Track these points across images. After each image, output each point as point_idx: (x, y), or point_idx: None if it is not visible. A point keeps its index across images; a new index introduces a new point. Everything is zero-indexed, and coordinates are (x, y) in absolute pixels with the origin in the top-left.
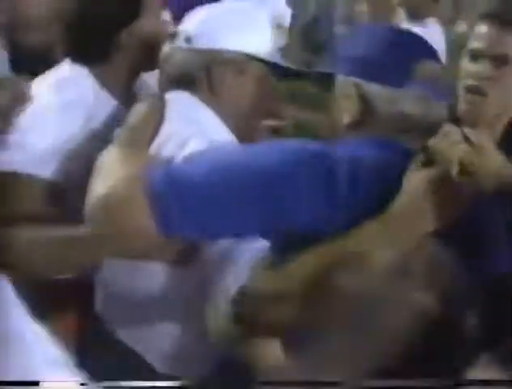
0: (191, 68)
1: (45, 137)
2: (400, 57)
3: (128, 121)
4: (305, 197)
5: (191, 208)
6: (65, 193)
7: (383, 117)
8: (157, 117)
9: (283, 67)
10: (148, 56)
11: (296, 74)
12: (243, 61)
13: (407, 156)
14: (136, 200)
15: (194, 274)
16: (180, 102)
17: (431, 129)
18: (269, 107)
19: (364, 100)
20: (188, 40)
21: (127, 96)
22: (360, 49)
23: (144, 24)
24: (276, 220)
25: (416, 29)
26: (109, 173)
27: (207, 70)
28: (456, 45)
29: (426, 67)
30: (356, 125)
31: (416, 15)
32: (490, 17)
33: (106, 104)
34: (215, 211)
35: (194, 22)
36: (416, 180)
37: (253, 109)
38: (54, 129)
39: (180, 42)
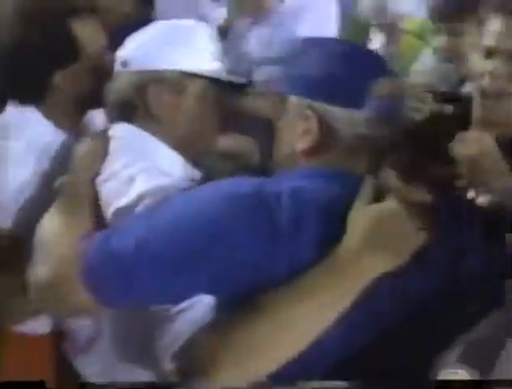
0: (128, 93)
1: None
2: (356, 74)
3: (70, 168)
4: (249, 244)
5: (131, 280)
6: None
7: (345, 140)
8: (98, 158)
9: (231, 83)
10: (91, 92)
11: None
12: (181, 80)
13: (356, 190)
14: (75, 280)
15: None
16: (122, 136)
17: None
18: (215, 126)
19: (324, 123)
20: (124, 64)
21: (77, 133)
22: (311, 66)
23: (83, 64)
24: (224, 276)
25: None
26: (48, 249)
27: (142, 92)
28: None
29: (384, 85)
30: (313, 150)
31: None
32: (504, 11)
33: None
34: (158, 280)
35: (129, 45)
36: (362, 216)
37: (199, 130)
38: (9, 178)
39: (117, 68)
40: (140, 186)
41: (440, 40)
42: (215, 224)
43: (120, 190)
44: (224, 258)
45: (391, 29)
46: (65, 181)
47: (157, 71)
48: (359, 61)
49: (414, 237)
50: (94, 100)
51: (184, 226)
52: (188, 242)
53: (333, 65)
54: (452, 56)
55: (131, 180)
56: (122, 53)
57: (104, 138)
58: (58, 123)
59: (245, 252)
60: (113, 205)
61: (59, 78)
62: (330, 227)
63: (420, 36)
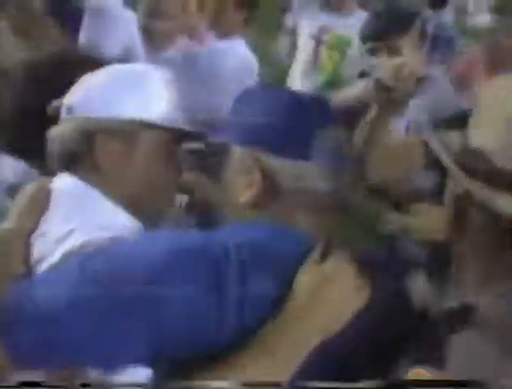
0: (73, 142)
1: None
2: (301, 124)
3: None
4: (191, 304)
5: (47, 340)
6: None
7: (287, 194)
8: (38, 210)
9: (185, 133)
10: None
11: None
12: (132, 129)
13: (303, 247)
14: None
15: None
16: (63, 189)
17: (342, 207)
18: (172, 181)
19: (267, 176)
20: (69, 110)
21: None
22: (255, 115)
23: None
24: (161, 340)
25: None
26: None
27: (89, 141)
28: None
29: (329, 136)
30: (256, 203)
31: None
32: None
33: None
34: (82, 336)
35: (76, 91)
36: (309, 276)
37: (154, 186)
38: None
39: (61, 115)
40: (67, 246)
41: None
42: (153, 274)
43: (49, 249)
44: (159, 312)
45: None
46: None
47: (106, 119)
48: (304, 110)
49: (357, 299)
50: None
51: (118, 275)
52: (127, 297)
53: (275, 114)
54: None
55: (62, 239)
56: (68, 99)
57: (44, 190)
58: None
59: (187, 305)
60: (41, 264)
61: None
62: (277, 283)
63: (340, 49)
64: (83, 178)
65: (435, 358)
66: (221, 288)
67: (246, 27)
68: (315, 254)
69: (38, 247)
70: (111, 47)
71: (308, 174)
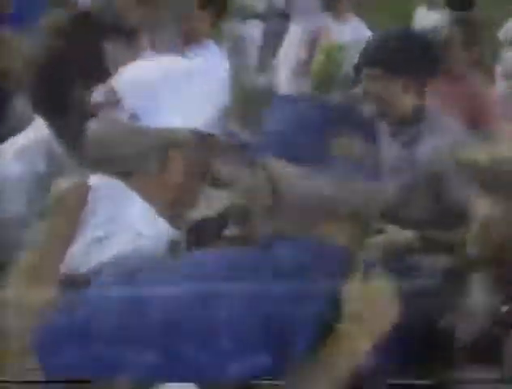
0: (138, 150)
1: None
2: (314, 131)
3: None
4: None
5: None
6: None
7: (290, 201)
8: (79, 206)
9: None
10: None
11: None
12: (191, 140)
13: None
14: None
15: None
16: (100, 189)
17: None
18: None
19: (271, 182)
20: (134, 117)
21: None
22: (274, 123)
23: None
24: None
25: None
26: None
27: (162, 155)
28: None
29: (345, 143)
30: (267, 211)
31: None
32: None
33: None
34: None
35: (135, 93)
36: (356, 295)
37: (187, 190)
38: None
39: (122, 118)
40: (103, 255)
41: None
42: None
43: (84, 253)
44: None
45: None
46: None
47: (177, 130)
48: (318, 116)
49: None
50: None
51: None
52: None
53: (289, 120)
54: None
55: (96, 243)
56: (130, 101)
57: (84, 186)
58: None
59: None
60: (73, 267)
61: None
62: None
63: (331, 55)
64: (132, 187)
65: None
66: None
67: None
68: (358, 274)
69: (73, 250)
70: None
71: (316, 180)
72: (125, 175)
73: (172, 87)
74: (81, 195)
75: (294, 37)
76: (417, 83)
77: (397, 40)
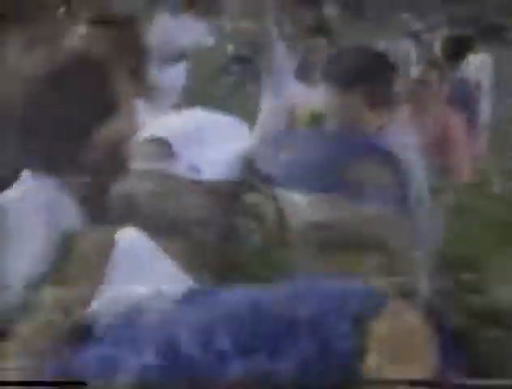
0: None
1: None
2: (330, 155)
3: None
4: None
5: None
6: None
7: (296, 231)
8: (101, 262)
9: None
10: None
11: None
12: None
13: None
14: None
15: None
16: (126, 247)
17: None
18: None
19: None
20: (194, 170)
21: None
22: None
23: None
24: None
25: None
26: None
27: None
28: None
29: (360, 168)
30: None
31: None
32: None
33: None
34: None
35: (190, 144)
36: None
37: None
38: None
39: (183, 172)
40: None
41: None
42: None
43: (104, 309)
44: None
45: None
46: None
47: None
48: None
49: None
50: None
51: None
52: None
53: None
54: None
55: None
56: (185, 153)
57: (110, 241)
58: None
59: None
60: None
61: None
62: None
63: (312, 123)
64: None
65: None
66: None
67: None
68: (389, 309)
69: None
70: None
71: (326, 206)
72: (163, 234)
73: (218, 138)
74: (105, 252)
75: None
76: (379, 100)
77: (352, 54)
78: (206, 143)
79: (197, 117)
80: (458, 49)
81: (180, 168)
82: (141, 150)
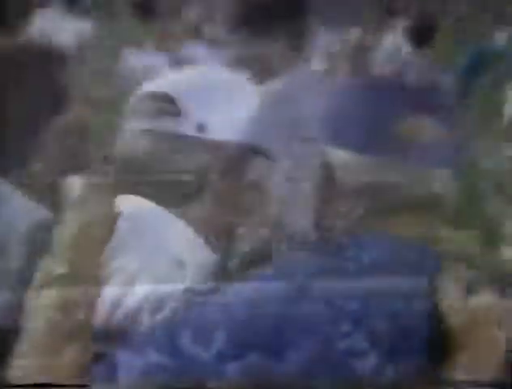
0: (199, 170)
1: None
2: (377, 112)
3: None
4: None
5: None
6: None
7: (348, 189)
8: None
9: None
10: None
11: None
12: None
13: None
14: None
15: None
16: (133, 216)
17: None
18: None
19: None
20: (201, 128)
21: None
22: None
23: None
24: None
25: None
26: None
27: (224, 175)
28: None
29: (411, 125)
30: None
31: None
32: None
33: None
34: None
35: (200, 102)
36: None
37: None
38: None
39: (186, 129)
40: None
41: None
42: None
43: (119, 294)
44: None
45: None
46: None
47: (234, 145)
48: (380, 94)
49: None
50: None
51: None
52: None
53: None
54: None
55: (131, 281)
56: (194, 111)
57: (113, 213)
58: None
59: None
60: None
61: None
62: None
63: None
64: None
65: None
66: None
67: None
68: (457, 290)
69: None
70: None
71: (379, 167)
72: (176, 200)
73: (226, 98)
74: (109, 224)
75: None
76: None
77: None
78: (215, 101)
79: (205, 73)
80: None
81: (186, 127)
82: (141, 107)
